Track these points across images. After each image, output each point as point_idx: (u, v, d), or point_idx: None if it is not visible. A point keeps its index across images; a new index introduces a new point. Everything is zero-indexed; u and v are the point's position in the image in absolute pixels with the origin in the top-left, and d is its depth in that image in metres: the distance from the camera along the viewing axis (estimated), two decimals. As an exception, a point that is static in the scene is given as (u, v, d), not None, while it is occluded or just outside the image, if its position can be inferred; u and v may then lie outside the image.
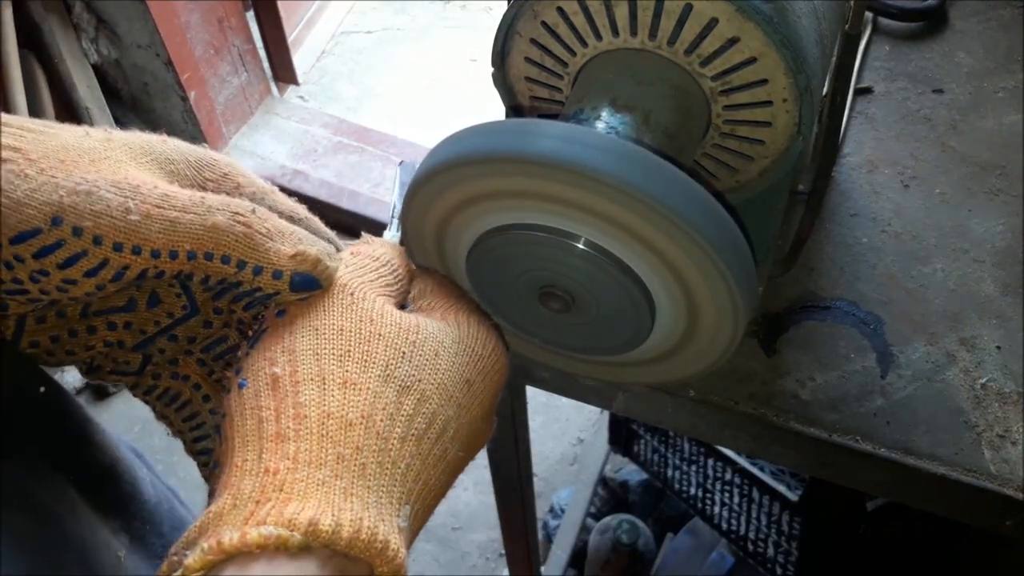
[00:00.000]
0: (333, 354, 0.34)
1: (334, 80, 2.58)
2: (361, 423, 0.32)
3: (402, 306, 0.41)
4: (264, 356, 0.34)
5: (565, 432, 1.93)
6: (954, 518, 0.67)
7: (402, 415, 0.33)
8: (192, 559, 0.28)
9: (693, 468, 1.32)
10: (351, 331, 0.34)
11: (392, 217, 0.49)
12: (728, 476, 1.25)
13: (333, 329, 0.34)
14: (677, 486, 1.37)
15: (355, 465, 0.31)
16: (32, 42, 1.98)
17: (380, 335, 0.35)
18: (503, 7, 0.54)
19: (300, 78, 2.46)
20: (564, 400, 1.75)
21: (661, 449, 1.37)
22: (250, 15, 2.31)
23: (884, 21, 0.92)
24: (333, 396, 0.32)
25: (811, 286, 0.72)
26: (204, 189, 0.39)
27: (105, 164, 0.35)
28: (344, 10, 2.75)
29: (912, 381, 0.66)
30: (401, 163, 0.53)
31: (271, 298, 0.38)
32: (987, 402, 0.65)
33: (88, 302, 0.39)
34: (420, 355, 0.35)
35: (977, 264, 0.72)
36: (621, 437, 1.44)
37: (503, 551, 1.61)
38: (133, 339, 0.41)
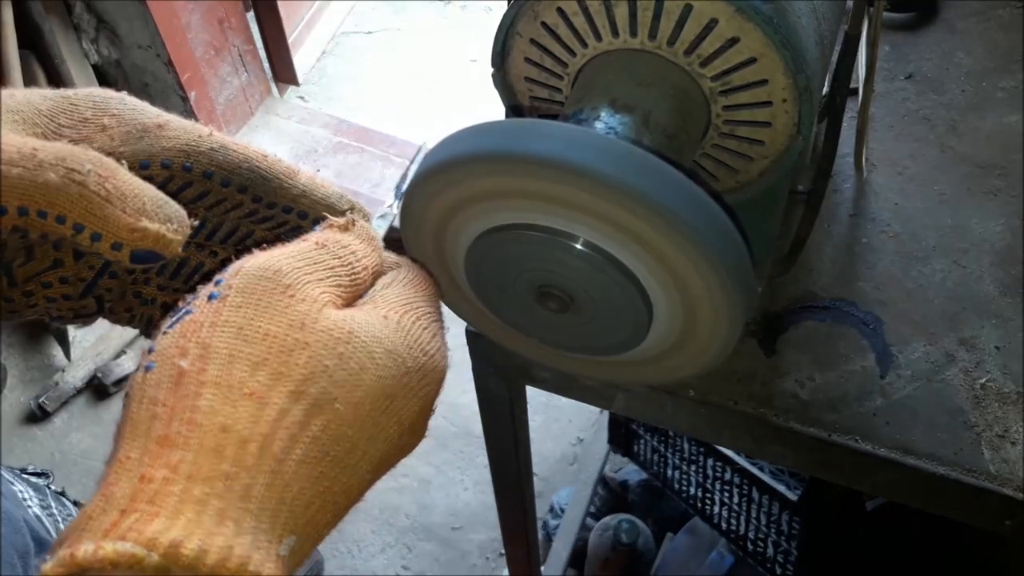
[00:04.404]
0: (249, 360, 0.31)
1: (334, 80, 2.58)
2: (258, 441, 0.30)
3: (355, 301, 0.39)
4: (177, 343, 0.31)
5: (565, 432, 1.93)
6: (953, 518, 0.67)
7: (306, 436, 0.31)
8: (47, 567, 0.26)
9: (693, 468, 1.32)
10: (275, 337, 0.32)
11: (390, 202, 0.47)
12: (728, 476, 1.25)
13: (257, 332, 0.32)
14: (677, 486, 1.37)
15: (240, 486, 0.29)
16: (32, 42, 1.98)
17: (306, 344, 0.32)
18: (503, 7, 0.54)
19: (300, 78, 2.46)
20: (564, 400, 1.75)
21: (661, 449, 1.37)
22: (250, 15, 2.31)
23: (883, 17, 0.92)
24: (235, 407, 0.30)
25: (810, 286, 0.72)
26: (60, 138, 0.36)
27: None
28: (344, 10, 2.75)
29: (911, 381, 0.66)
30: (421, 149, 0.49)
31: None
32: (986, 402, 0.65)
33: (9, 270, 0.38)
34: (343, 370, 0.32)
35: (976, 264, 0.72)
36: (621, 437, 1.44)
37: (503, 551, 1.61)
38: (76, 289, 0.40)
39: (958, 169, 0.79)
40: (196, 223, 0.38)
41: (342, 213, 0.42)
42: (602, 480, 1.65)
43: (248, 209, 0.41)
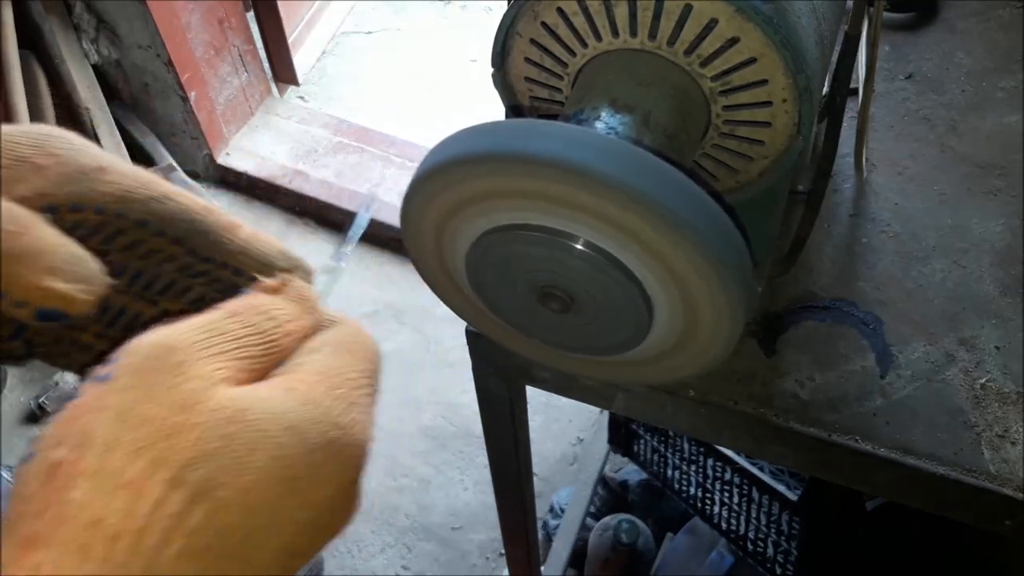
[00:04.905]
0: (129, 448, 0.29)
1: (334, 80, 2.58)
2: (130, 535, 0.27)
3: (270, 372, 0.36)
4: (56, 433, 0.29)
5: (565, 432, 1.93)
6: (953, 518, 0.67)
7: (185, 527, 0.28)
8: None
9: (693, 468, 1.32)
10: (158, 420, 0.29)
11: (338, 256, 0.44)
12: (728, 476, 1.25)
13: (139, 417, 0.29)
14: (677, 486, 1.37)
15: None
16: (32, 42, 1.98)
17: (192, 426, 0.30)
18: (503, 8, 0.54)
19: (300, 78, 2.46)
20: (564, 400, 1.74)
21: (661, 449, 1.37)
22: (250, 16, 2.31)
23: (883, 18, 0.92)
24: (108, 499, 0.28)
25: (810, 286, 0.72)
26: None
27: None
28: (344, 11, 2.74)
29: (911, 381, 0.66)
30: (368, 202, 0.46)
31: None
32: (986, 402, 0.65)
33: None
34: (229, 453, 0.30)
35: (976, 264, 0.72)
36: (621, 437, 1.44)
37: (503, 551, 1.61)
38: (7, 330, 0.39)
39: (958, 169, 0.79)
40: (118, 276, 0.37)
41: (279, 272, 0.40)
42: (602, 480, 1.65)
43: (182, 262, 0.40)
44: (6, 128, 0.36)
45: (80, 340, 0.42)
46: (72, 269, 0.35)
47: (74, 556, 0.27)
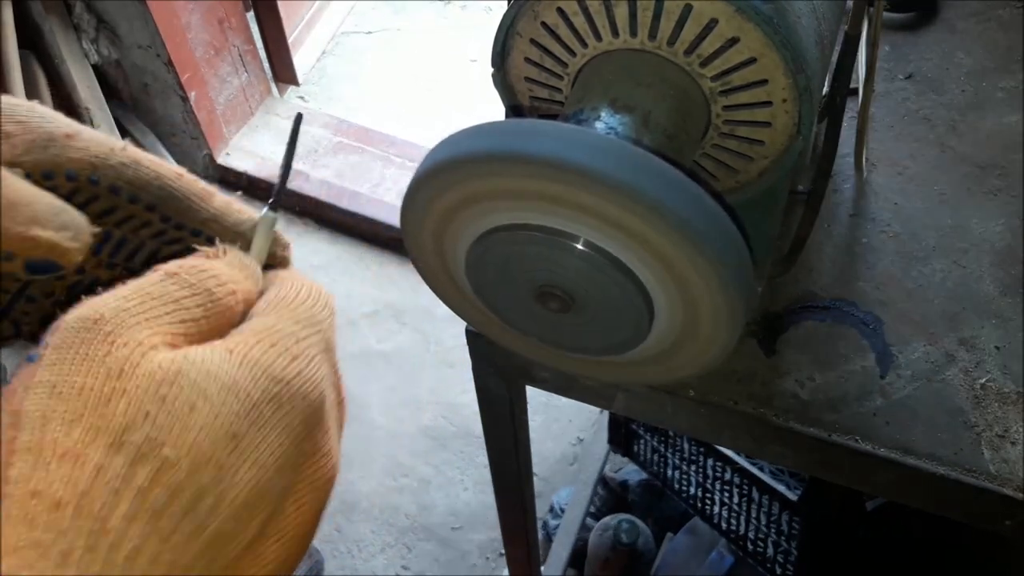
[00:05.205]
0: (63, 419, 0.28)
1: (334, 80, 2.58)
2: (73, 502, 0.27)
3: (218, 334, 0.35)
4: None
5: (565, 432, 1.93)
6: (953, 518, 0.67)
7: (131, 488, 0.28)
8: None
9: (693, 468, 1.32)
10: (91, 390, 0.29)
11: (273, 194, 0.41)
12: (728, 476, 1.25)
13: (72, 387, 0.29)
14: (677, 486, 1.37)
15: (55, 552, 0.26)
16: (32, 42, 1.98)
17: (124, 392, 0.29)
18: (503, 8, 0.54)
19: (300, 78, 2.46)
20: (564, 400, 1.74)
21: (661, 449, 1.37)
22: (250, 16, 2.31)
23: (883, 18, 0.92)
24: (46, 470, 0.27)
25: (810, 286, 0.72)
26: None
27: None
28: (344, 11, 2.75)
29: (911, 381, 0.66)
30: (297, 116, 0.44)
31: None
32: (986, 402, 0.65)
33: None
34: (167, 412, 0.29)
35: (976, 264, 0.72)
36: (621, 437, 1.44)
37: (503, 550, 1.61)
38: None
39: (958, 169, 0.79)
40: (98, 231, 0.37)
41: (248, 242, 0.39)
42: (602, 480, 1.65)
43: (156, 229, 0.39)
44: None
45: None
46: (56, 218, 0.34)
47: (17, 527, 0.27)
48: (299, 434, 0.33)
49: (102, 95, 2.08)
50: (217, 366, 0.32)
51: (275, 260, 0.41)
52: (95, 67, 2.07)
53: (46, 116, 0.37)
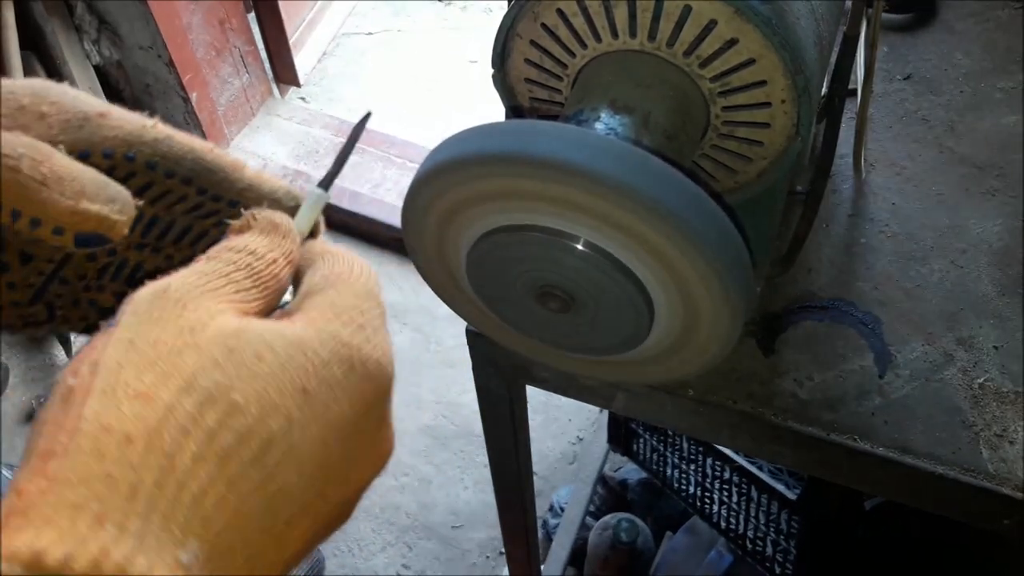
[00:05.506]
0: (137, 365, 0.30)
1: (335, 81, 2.58)
2: (143, 438, 0.28)
3: (271, 311, 0.36)
4: (71, 367, 0.30)
5: (565, 431, 1.93)
6: (952, 517, 0.67)
7: (200, 429, 0.29)
8: None
9: (692, 467, 1.32)
10: (164, 343, 0.30)
11: (326, 176, 0.42)
12: (727, 475, 1.25)
13: (147, 341, 0.30)
14: (676, 485, 1.38)
15: (125, 486, 0.27)
16: (34, 43, 1.98)
17: (195, 345, 0.30)
18: (503, 9, 0.55)
19: (301, 79, 2.46)
20: (564, 400, 1.75)
21: (660, 448, 1.37)
22: (251, 16, 2.31)
23: (882, 18, 0.92)
24: (119, 408, 0.28)
25: (809, 286, 0.72)
26: None
27: None
28: (345, 12, 2.75)
29: (910, 380, 0.66)
30: (366, 116, 0.45)
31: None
32: (985, 401, 0.65)
33: None
34: (235, 362, 0.30)
35: (974, 264, 0.72)
36: (620, 436, 1.44)
37: (503, 549, 1.61)
38: (25, 295, 0.40)
39: (956, 169, 0.79)
40: (140, 203, 0.37)
41: (288, 210, 0.40)
42: (602, 479, 1.66)
43: (193, 203, 0.40)
44: (2, 81, 0.36)
45: (99, 302, 0.42)
46: (102, 191, 0.35)
47: (87, 460, 0.27)
48: (370, 401, 0.34)
49: (104, 96, 2.09)
50: (283, 326, 0.33)
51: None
52: (97, 68, 2.08)
53: (79, 97, 0.37)
